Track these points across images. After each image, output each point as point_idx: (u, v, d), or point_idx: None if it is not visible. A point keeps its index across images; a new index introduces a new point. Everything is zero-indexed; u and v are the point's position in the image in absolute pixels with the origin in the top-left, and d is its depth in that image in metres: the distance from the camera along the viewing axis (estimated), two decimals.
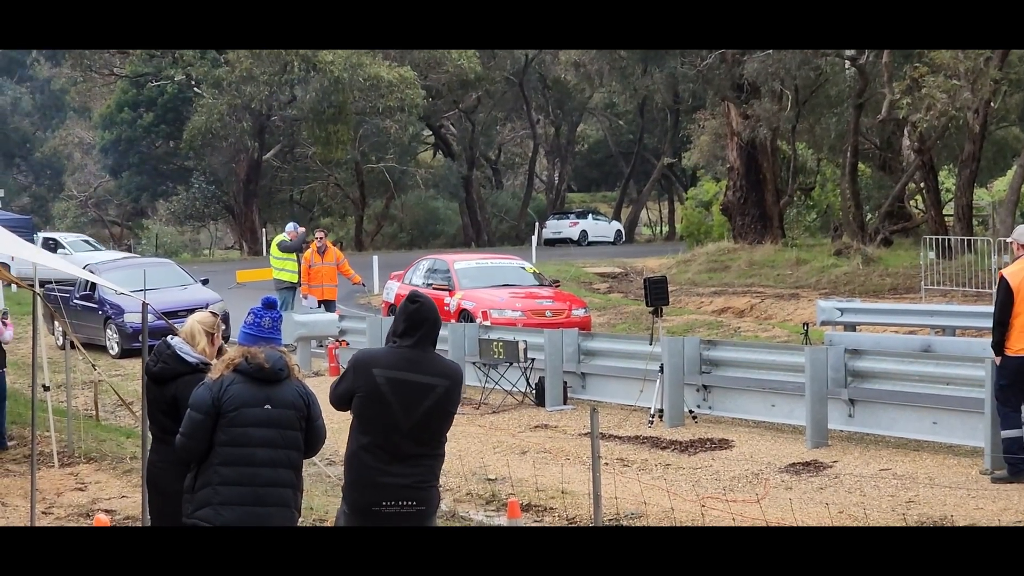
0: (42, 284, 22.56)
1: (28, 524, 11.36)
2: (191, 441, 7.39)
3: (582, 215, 68.59)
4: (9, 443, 16.31)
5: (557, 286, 26.95)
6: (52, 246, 41.65)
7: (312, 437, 7.55)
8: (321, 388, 21.35)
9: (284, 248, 26.59)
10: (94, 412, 18.98)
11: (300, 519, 11.79)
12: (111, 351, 26.32)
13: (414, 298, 7.38)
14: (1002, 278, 13.20)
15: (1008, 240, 14.62)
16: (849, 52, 39.15)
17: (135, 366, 22.33)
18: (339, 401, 7.43)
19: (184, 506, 7.48)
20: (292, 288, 26.25)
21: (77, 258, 37.91)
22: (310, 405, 7.51)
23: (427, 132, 72.82)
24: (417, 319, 7.28)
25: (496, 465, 14.80)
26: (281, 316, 7.76)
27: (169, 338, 8.49)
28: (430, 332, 7.29)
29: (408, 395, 7.16)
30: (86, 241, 46.91)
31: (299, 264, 26.14)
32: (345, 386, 7.34)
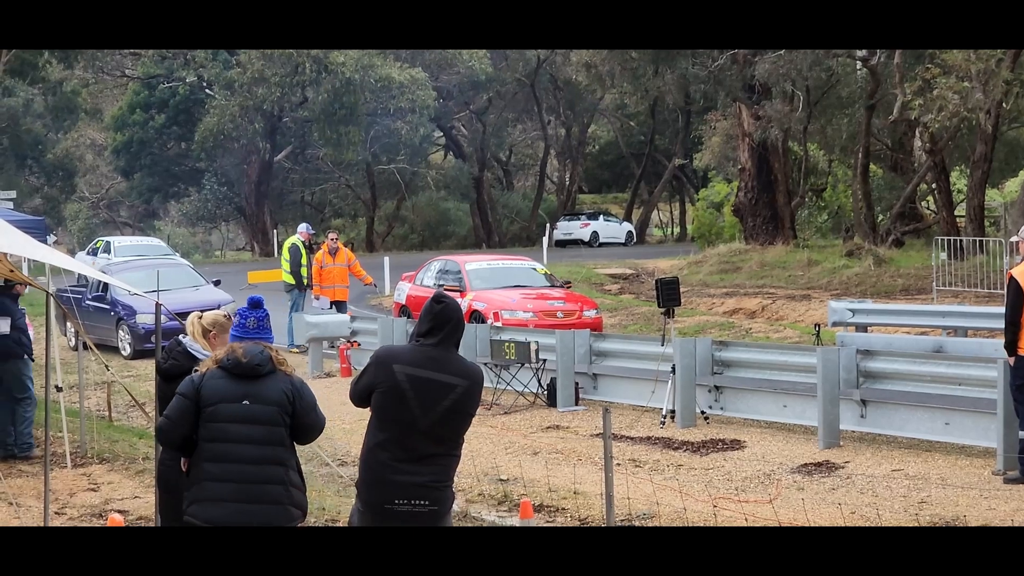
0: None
1: (41, 524, 11.39)
2: (170, 423, 7.43)
3: (593, 216, 68.50)
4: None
5: (568, 287, 26.95)
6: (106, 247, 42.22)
7: (303, 428, 7.52)
8: (332, 389, 21.43)
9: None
10: (107, 413, 19.02)
11: (311, 519, 11.81)
12: (123, 352, 26.37)
13: (439, 298, 7.38)
14: (1011, 278, 13.16)
15: (1013, 240, 14.56)
16: (860, 53, 39.10)
17: (147, 367, 22.38)
18: (358, 397, 7.37)
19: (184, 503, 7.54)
20: (292, 289, 26.35)
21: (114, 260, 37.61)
22: (295, 400, 7.48)
23: (438, 133, 72.83)
24: (442, 319, 7.28)
25: (508, 466, 14.81)
26: (268, 314, 7.76)
27: (180, 336, 8.56)
28: (453, 332, 7.29)
29: (427, 393, 7.13)
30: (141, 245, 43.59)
31: (310, 266, 26.20)
32: (365, 381, 7.29)
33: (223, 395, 7.36)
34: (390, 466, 7.15)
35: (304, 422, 7.50)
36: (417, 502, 7.12)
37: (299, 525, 7.90)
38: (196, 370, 7.62)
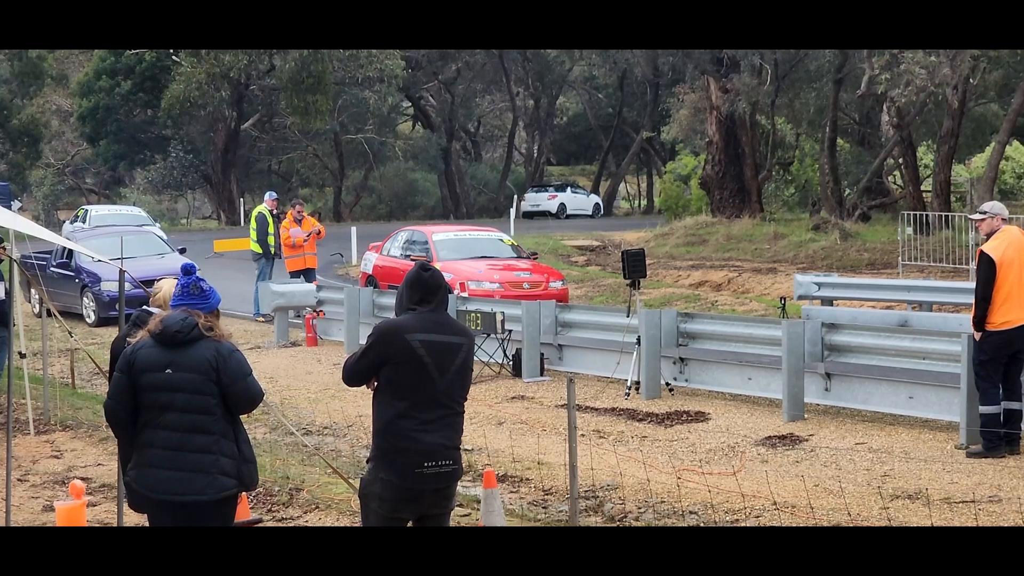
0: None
1: (3, 491, 11.34)
2: (114, 402, 7.45)
3: (561, 188, 68.52)
4: None
5: (535, 258, 26.96)
6: (83, 217, 42.10)
7: (231, 397, 7.40)
8: (298, 358, 21.27)
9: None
10: (70, 380, 18.95)
11: (275, 487, 11.78)
12: (88, 319, 26.26)
13: (425, 267, 7.60)
14: (983, 254, 13.13)
15: (973, 217, 14.47)
16: None
17: (112, 334, 22.27)
18: (360, 375, 7.44)
19: None
20: (260, 258, 26.35)
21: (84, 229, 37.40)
22: (219, 368, 7.37)
23: (406, 103, 72.71)
24: (433, 285, 7.49)
25: (473, 436, 14.78)
26: (203, 279, 7.72)
27: (147, 306, 8.50)
28: (444, 297, 7.53)
29: (442, 355, 7.36)
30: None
31: (277, 234, 26.15)
32: (372, 358, 7.36)
33: (150, 364, 7.35)
34: (416, 431, 7.32)
35: (232, 391, 7.39)
36: (443, 463, 7.38)
37: (241, 495, 7.90)
38: (129, 342, 7.61)
